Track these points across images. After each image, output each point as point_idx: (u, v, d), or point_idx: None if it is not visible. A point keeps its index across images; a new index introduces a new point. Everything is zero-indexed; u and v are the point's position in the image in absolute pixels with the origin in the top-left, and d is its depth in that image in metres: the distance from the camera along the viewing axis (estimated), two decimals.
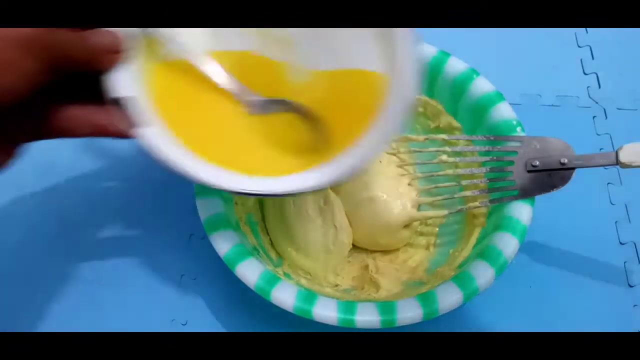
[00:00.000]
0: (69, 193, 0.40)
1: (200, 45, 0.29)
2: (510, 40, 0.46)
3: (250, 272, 0.30)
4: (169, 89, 0.28)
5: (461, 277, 0.30)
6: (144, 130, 0.25)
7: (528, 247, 0.38)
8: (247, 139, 0.29)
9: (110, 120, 0.24)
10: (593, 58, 0.46)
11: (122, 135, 0.25)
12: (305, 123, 0.29)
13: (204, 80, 0.28)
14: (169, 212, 0.40)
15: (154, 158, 0.25)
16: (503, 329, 0.36)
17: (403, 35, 0.25)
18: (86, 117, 0.24)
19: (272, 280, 0.30)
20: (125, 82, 0.25)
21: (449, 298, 0.29)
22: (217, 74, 0.29)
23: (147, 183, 0.41)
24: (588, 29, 0.47)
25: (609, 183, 0.41)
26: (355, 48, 0.28)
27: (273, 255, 0.37)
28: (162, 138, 0.26)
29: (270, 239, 0.38)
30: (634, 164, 0.30)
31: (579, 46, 0.47)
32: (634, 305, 0.37)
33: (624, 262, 0.38)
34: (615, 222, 0.40)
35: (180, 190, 0.40)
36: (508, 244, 0.30)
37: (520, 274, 0.38)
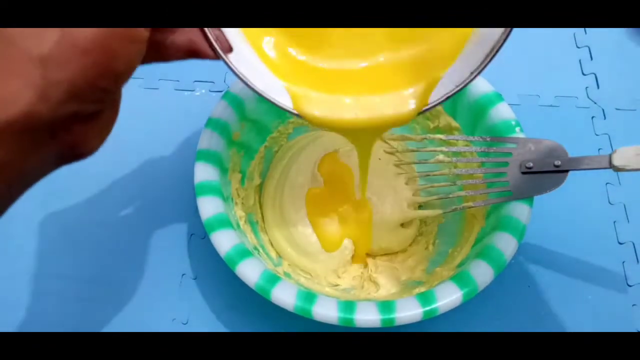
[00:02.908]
0: (69, 193, 0.40)
1: None
2: (509, 41, 0.46)
3: (250, 271, 0.30)
4: None
5: (460, 277, 0.30)
6: (231, 54, 0.26)
7: (527, 247, 0.38)
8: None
9: (202, 44, 0.25)
10: (592, 59, 0.46)
11: (212, 57, 0.25)
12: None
13: None
14: (170, 212, 0.40)
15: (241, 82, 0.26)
16: (501, 329, 0.36)
17: None
18: (182, 42, 0.25)
19: (273, 279, 0.30)
20: None
21: (448, 297, 0.29)
22: None
23: (147, 183, 0.41)
24: (587, 29, 0.47)
25: (607, 183, 0.41)
26: None
27: (273, 254, 0.37)
28: (247, 62, 0.26)
29: (270, 239, 0.38)
30: (627, 168, 0.29)
31: (578, 47, 0.47)
32: (633, 305, 0.37)
33: (623, 262, 0.38)
34: (614, 222, 0.40)
35: (181, 191, 0.40)
36: (507, 244, 0.31)
37: (519, 274, 0.38)
